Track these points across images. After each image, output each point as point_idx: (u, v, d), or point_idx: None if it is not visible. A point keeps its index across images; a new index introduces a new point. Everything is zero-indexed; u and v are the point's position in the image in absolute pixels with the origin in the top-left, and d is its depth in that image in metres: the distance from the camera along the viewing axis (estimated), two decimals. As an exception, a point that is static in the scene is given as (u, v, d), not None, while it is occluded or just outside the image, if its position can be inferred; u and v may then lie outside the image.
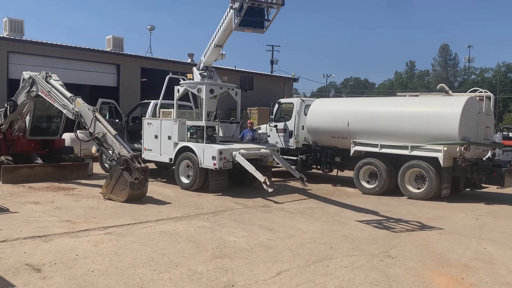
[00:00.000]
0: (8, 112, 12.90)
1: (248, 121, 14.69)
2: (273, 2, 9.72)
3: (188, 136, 11.87)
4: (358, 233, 7.58)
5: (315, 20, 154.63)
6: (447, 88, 12.50)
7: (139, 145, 13.26)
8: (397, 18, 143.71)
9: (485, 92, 11.85)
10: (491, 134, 12.22)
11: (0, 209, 8.46)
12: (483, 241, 7.33)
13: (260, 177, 10.24)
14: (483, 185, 11.71)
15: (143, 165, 9.95)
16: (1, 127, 13.20)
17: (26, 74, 12.62)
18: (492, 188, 11.89)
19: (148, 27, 31.51)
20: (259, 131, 14.26)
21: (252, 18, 9.86)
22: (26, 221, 7.60)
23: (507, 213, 9.98)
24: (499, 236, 7.72)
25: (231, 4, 9.84)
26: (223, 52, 11.82)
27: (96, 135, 10.61)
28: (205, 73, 12.09)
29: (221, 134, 12.16)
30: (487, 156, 12.05)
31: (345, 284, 5.15)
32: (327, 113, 13.64)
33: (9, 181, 11.58)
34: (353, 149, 12.57)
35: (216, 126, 11.86)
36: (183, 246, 6.41)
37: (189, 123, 12.03)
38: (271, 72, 43.29)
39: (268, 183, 9.96)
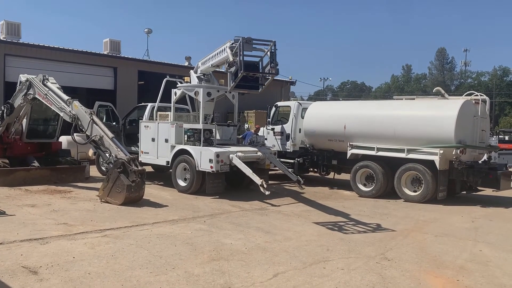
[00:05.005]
0: (5, 115, 12.89)
1: (256, 126, 14.80)
2: (267, 72, 9.85)
3: (185, 139, 11.88)
4: (354, 236, 7.61)
5: (311, 23, 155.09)
6: (443, 92, 12.59)
7: (136, 148, 13.28)
8: (394, 22, 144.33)
9: (480, 95, 11.94)
10: (487, 137, 12.30)
11: (-4, 212, 8.46)
12: (478, 243, 7.37)
13: (257, 180, 10.25)
14: (479, 188, 11.78)
15: (140, 168, 9.95)
16: (-2, 130, 13.20)
17: (23, 77, 12.61)
18: (488, 191, 11.93)
19: (146, 30, 31.50)
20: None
21: (247, 83, 10.07)
22: (23, 223, 7.59)
23: (502, 216, 10.03)
24: (495, 238, 7.77)
25: (226, 67, 10.04)
26: None
27: (93, 138, 10.61)
28: (202, 76, 12.13)
29: (218, 137, 12.20)
30: (483, 159, 12.12)
31: (342, 286, 5.17)
32: (324, 116, 13.69)
33: (6, 184, 11.57)
34: (350, 152, 12.61)
35: (213, 129, 11.89)
36: (180, 249, 6.42)
37: (186, 126, 12.05)
38: (268, 76, 43.19)
39: (265, 186, 9.95)
